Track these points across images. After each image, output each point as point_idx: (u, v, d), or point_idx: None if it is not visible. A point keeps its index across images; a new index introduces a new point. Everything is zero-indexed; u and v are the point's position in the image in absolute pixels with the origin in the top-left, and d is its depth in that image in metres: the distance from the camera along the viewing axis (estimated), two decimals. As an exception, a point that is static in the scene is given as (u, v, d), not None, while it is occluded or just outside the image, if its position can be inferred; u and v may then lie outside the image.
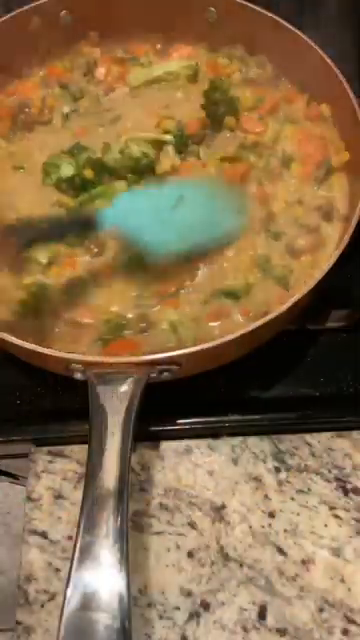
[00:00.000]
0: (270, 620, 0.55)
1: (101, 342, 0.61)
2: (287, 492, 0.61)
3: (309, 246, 0.67)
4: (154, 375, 0.54)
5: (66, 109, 0.78)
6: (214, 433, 0.64)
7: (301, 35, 0.73)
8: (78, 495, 0.60)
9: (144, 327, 0.62)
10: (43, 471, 0.62)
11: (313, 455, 0.63)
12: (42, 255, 0.65)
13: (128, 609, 0.42)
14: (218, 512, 0.60)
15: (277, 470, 0.62)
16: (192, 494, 0.61)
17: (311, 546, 0.58)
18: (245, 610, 0.55)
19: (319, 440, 0.64)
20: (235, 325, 0.62)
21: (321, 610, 0.55)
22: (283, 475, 0.62)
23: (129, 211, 0.64)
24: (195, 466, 0.62)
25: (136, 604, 0.55)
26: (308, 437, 0.64)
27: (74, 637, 0.41)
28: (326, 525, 0.59)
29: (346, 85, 0.69)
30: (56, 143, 0.74)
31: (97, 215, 0.63)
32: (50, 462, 0.62)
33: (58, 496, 0.61)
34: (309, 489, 0.61)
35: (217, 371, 0.64)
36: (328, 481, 0.61)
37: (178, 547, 0.58)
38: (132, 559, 0.45)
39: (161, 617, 0.55)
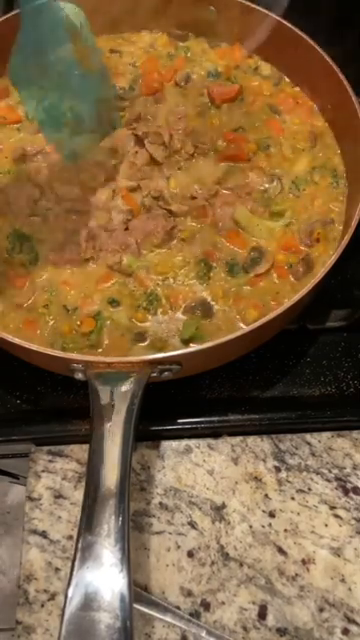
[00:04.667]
0: (270, 620, 0.55)
1: None
2: (287, 492, 0.61)
3: None
4: (155, 375, 0.54)
5: None
6: (214, 433, 0.64)
7: (302, 35, 0.73)
8: (78, 495, 0.60)
9: None
10: (43, 471, 0.62)
11: (313, 455, 0.63)
12: None
13: (130, 608, 0.42)
14: (218, 512, 0.60)
15: (277, 470, 0.62)
16: (192, 494, 0.61)
17: (311, 546, 0.58)
18: (245, 610, 0.55)
19: (319, 440, 0.64)
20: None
21: (321, 610, 0.55)
22: (283, 475, 0.62)
23: None
24: (195, 466, 0.62)
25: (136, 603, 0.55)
26: (308, 437, 0.64)
27: (76, 636, 0.41)
28: (326, 525, 0.59)
29: (347, 85, 0.69)
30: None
31: None
32: (50, 462, 0.62)
33: (58, 496, 0.61)
34: (309, 489, 0.61)
35: (217, 371, 0.64)
36: (328, 481, 0.61)
37: (178, 547, 0.58)
38: (132, 559, 0.45)
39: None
